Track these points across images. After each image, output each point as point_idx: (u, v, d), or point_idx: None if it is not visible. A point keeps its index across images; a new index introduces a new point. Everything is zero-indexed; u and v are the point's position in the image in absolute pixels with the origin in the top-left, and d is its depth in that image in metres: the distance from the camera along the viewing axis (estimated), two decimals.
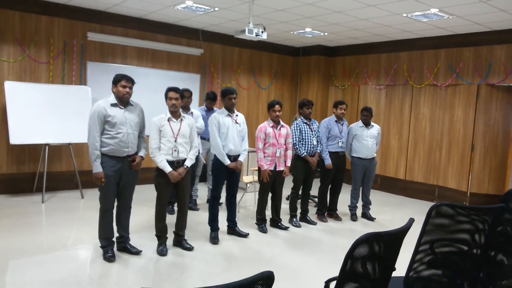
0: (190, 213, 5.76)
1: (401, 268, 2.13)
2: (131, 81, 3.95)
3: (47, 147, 6.14)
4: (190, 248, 4.39)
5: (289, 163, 5.19)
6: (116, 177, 3.97)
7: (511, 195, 2.56)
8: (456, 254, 2.23)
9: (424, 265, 2.14)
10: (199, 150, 5.85)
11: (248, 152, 7.06)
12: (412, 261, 2.08)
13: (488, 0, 5.18)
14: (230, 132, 4.62)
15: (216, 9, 6.37)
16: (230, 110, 4.70)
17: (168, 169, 4.09)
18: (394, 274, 2.19)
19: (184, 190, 4.31)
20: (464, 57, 7.14)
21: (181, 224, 4.42)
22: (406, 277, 2.12)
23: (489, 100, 6.92)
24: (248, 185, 6.44)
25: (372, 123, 6.01)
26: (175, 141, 4.14)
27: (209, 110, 6.12)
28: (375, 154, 6.06)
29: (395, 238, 1.72)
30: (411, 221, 1.77)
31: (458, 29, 6.84)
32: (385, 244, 1.65)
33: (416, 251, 2.06)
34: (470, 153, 7.03)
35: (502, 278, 2.74)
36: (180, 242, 4.43)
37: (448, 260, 2.22)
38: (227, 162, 4.61)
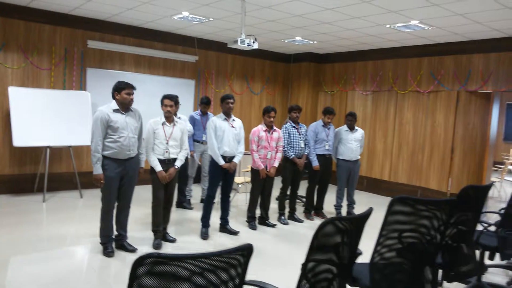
0: (183, 212, 6.18)
1: (368, 256, 2.48)
2: (134, 88, 4.28)
3: (48, 149, 6.45)
4: (172, 240, 4.79)
5: (276, 164, 5.54)
6: (118, 179, 4.26)
7: (466, 190, 2.92)
8: (416, 242, 2.58)
9: (387, 252, 2.49)
10: (194, 152, 6.25)
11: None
12: (376, 247, 2.43)
13: (464, 13, 5.58)
14: (226, 135, 5.00)
15: (211, 19, 6.72)
16: (227, 114, 5.09)
17: (159, 168, 4.48)
18: (361, 260, 2.54)
19: (173, 187, 4.73)
20: (445, 65, 7.55)
21: (165, 219, 4.77)
22: (371, 261, 2.47)
23: (468, 105, 7.34)
24: (239, 185, 6.78)
25: (356, 127, 6.38)
26: (167, 143, 4.52)
27: (204, 114, 6.46)
28: (359, 157, 6.43)
29: (357, 222, 2.07)
30: (370, 209, 2.13)
31: (439, 39, 7.24)
32: (348, 227, 2.00)
33: (379, 238, 2.41)
34: (450, 155, 7.44)
35: (462, 264, 3.11)
36: (164, 235, 4.79)
37: (409, 247, 2.56)
38: (221, 162, 4.96)
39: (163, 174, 4.49)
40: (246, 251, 1.56)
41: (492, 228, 3.67)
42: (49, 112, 6.48)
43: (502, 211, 3.72)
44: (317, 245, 1.91)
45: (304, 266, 1.88)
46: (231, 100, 5.06)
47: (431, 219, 2.54)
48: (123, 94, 4.19)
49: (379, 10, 5.63)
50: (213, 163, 5.06)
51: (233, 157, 5.09)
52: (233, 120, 5.15)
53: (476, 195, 3.03)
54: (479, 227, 3.64)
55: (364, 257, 2.51)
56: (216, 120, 5.05)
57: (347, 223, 2.00)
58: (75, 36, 7.08)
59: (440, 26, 6.32)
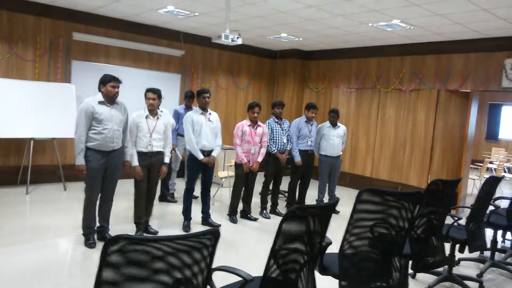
0: (166, 205, 6.25)
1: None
2: (119, 82, 4.33)
3: (32, 142, 6.45)
4: (154, 233, 4.85)
5: (260, 159, 5.63)
6: (101, 171, 4.32)
7: (435, 184, 3.05)
8: (385, 233, 2.69)
9: (356, 240, 2.60)
10: (176, 146, 6.32)
11: (225, 149, 7.55)
12: (345, 235, 2.53)
13: (444, 14, 5.72)
14: (204, 129, 5.05)
15: (196, 14, 6.77)
16: (203, 108, 5.13)
17: (135, 163, 4.54)
18: (332, 250, 2.65)
19: (155, 180, 4.79)
20: (426, 64, 7.71)
21: (147, 211, 4.84)
22: (340, 250, 2.57)
23: (448, 104, 7.51)
24: (223, 180, 6.86)
25: (338, 124, 6.51)
26: (151, 136, 4.58)
27: (188, 108, 6.50)
28: (341, 152, 6.56)
29: (323, 211, 2.17)
30: (337, 199, 2.23)
31: (421, 38, 7.38)
32: (315, 216, 2.10)
33: (348, 227, 2.52)
34: (430, 153, 7.61)
35: (429, 255, 3.25)
36: (146, 227, 4.86)
37: (377, 237, 2.67)
38: (201, 156, 5.03)
39: (138, 170, 4.55)
40: (212, 234, 1.65)
41: (463, 222, 3.82)
42: (33, 104, 6.46)
43: None
44: (285, 230, 2.01)
45: (272, 249, 1.98)
46: (207, 95, 5.10)
47: (399, 210, 2.65)
48: (108, 87, 4.24)
49: (361, 8, 5.74)
50: (191, 157, 5.13)
51: (211, 150, 5.16)
52: (210, 113, 5.19)
53: (444, 188, 3.16)
54: (451, 221, 3.79)
55: (336, 248, 2.61)
56: (192, 115, 5.09)
57: (314, 211, 2.11)
58: (60, 27, 7.06)
59: (421, 25, 6.45)
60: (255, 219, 5.79)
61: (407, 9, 5.61)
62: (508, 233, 5.26)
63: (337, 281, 2.66)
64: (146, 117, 4.59)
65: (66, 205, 6.02)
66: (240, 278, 2.00)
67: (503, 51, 6.74)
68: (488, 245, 4.46)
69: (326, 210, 2.19)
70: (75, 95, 6.86)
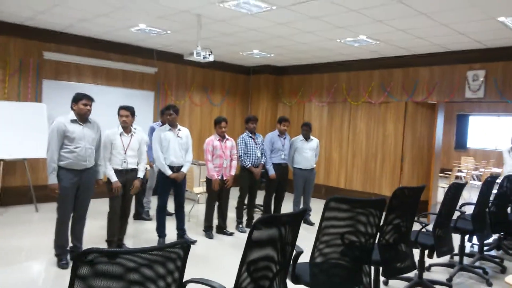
0: (141, 223, 6.20)
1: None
2: (91, 100, 4.34)
3: (1, 163, 6.32)
4: None
5: (233, 172, 5.69)
6: (74, 189, 4.29)
7: (400, 191, 3.18)
8: (353, 240, 2.78)
9: (325, 248, 2.67)
10: (153, 163, 6.30)
11: (201, 165, 7.57)
12: (315, 243, 2.61)
13: (405, 29, 5.98)
14: (172, 145, 5.09)
15: (169, 32, 6.84)
16: (171, 125, 5.18)
17: (114, 179, 4.55)
18: (305, 259, 2.71)
19: (130, 197, 4.80)
20: (394, 77, 7.99)
21: (121, 230, 4.83)
22: (311, 258, 2.64)
23: (415, 115, 7.78)
24: (198, 195, 6.87)
25: (311, 137, 6.65)
26: (125, 153, 4.60)
27: (164, 124, 6.51)
28: (315, 165, 6.68)
29: (292, 219, 2.25)
30: (304, 208, 2.32)
31: (388, 53, 7.66)
32: (285, 224, 2.17)
33: (317, 236, 2.60)
34: (400, 163, 7.83)
35: (398, 261, 3.35)
36: (120, 246, 4.83)
37: (346, 245, 2.75)
38: (169, 172, 5.06)
39: (118, 185, 4.55)
40: (183, 245, 1.70)
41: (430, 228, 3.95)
42: (2, 124, 6.36)
43: None
44: (255, 239, 2.08)
45: (242, 257, 2.04)
46: (170, 111, 5.14)
47: (366, 217, 2.75)
48: (79, 105, 4.25)
49: (328, 25, 5.94)
50: (161, 173, 5.17)
51: (181, 166, 5.18)
52: (179, 129, 5.23)
53: (409, 196, 3.29)
54: (419, 227, 3.92)
55: (308, 258, 2.67)
56: (160, 132, 5.15)
57: (282, 219, 2.18)
58: (30, 47, 7.01)
59: (386, 40, 6.71)
60: (231, 234, 5.81)
61: (371, 26, 5.84)
62: (475, 238, 5.45)
63: None
64: (120, 134, 4.63)
65: (38, 226, 5.90)
66: None
67: (465, 63, 7.06)
68: (457, 250, 4.63)
69: (295, 218, 2.26)
70: (47, 114, 6.78)
